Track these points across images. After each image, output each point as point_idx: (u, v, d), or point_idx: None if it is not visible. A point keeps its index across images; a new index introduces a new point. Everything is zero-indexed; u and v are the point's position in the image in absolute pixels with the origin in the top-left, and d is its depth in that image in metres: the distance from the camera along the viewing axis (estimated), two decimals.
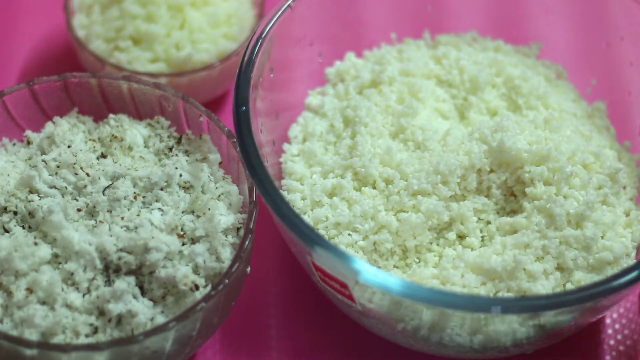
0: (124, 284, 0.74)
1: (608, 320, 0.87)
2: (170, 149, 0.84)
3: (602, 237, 0.81)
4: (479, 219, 0.83)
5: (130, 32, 0.93)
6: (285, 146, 0.89)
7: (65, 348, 0.71)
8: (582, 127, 0.89)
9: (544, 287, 0.78)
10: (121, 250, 0.76)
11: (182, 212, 0.80)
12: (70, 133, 0.83)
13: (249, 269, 0.79)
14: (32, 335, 0.73)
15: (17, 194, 0.79)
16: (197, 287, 0.76)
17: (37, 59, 1.01)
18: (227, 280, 0.74)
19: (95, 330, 0.74)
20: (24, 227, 0.78)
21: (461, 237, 0.83)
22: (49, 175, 0.80)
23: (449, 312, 0.73)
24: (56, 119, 0.85)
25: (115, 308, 0.74)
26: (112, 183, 0.79)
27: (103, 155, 0.83)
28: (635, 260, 0.82)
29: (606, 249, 0.80)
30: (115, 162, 0.82)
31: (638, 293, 0.87)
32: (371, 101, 0.89)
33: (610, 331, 0.86)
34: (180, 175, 0.81)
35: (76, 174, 0.80)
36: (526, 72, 0.92)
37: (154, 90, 0.84)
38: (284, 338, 0.85)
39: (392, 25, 0.97)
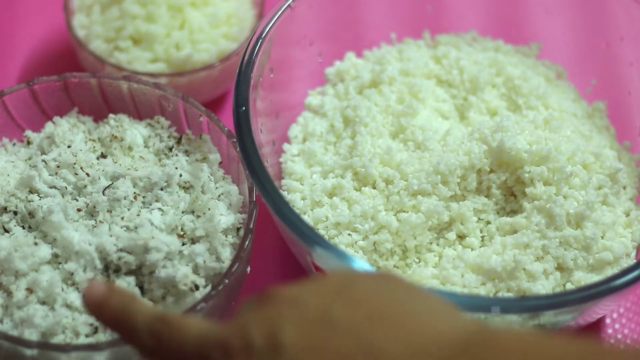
0: (124, 284, 0.74)
1: (608, 320, 0.87)
2: (170, 149, 0.84)
3: (602, 237, 0.81)
4: (479, 219, 0.83)
5: (130, 32, 0.93)
6: (285, 146, 0.89)
7: (65, 348, 0.71)
8: (582, 127, 0.89)
9: (544, 287, 0.78)
10: (121, 250, 0.76)
11: (182, 212, 0.80)
12: (70, 133, 0.83)
13: (249, 269, 0.79)
14: (32, 335, 0.73)
15: (17, 194, 0.79)
16: (197, 287, 0.76)
17: (37, 59, 1.01)
18: (227, 280, 0.74)
19: (95, 330, 0.74)
20: (24, 227, 0.78)
21: (461, 237, 0.83)
22: (49, 175, 0.80)
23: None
24: (56, 119, 0.85)
25: None
26: (112, 183, 0.79)
27: (103, 155, 0.83)
28: (635, 260, 0.82)
29: (606, 249, 0.80)
30: (115, 162, 0.82)
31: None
32: (371, 101, 0.89)
33: (610, 331, 0.86)
34: (180, 175, 0.81)
35: (76, 174, 0.80)
36: (526, 72, 0.92)
37: (154, 90, 0.84)
38: None
39: (392, 25, 0.97)
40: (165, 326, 0.59)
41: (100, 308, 0.62)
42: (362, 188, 0.84)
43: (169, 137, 0.85)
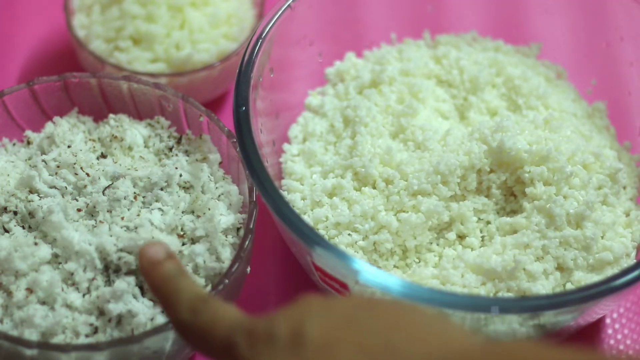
0: (124, 284, 0.74)
1: (608, 320, 0.87)
2: (170, 149, 0.84)
3: (602, 237, 0.81)
4: (479, 219, 0.83)
5: (130, 32, 0.93)
6: (285, 146, 0.89)
7: (65, 348, 0.71)
8: (582, 127, 0.89)
9: (544, 287, 0.78)
10: (121, 250, 0.76)
11: (182, 212, 0.80)
12: (70, 133, 0.83)
13: (249, 269, 0.79)
14: (32, 335, 0.73)
15: (17, 194, 0.79)
16: None
17: (37, 59, 1.01)
18: (227, 280, 0.74)
19: (95, 330, 0.74)
20: (24, 227, 0.78)
21: (461, 237, 0.83)
22: (49, 175, 0.80)
23: (449, 312, 0.73)
24: (56, 119, 0.85)
25: (115, 308, 0.74)
26: (112, 183, 0.79)
27: (103, 155, 0.83)
28: (635, 260, 0.82)
29: (606, 249, 0.80)
30: (115, 162, 0.82)
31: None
32: (371, 101, 0.89)
33: (610, 331, 0.86)
34: (180, 175, 0.81)
35: (76, 174, 0.80)
36: (526, 72, 0.92)
37: (154, 90, 0.84)
38: None
39: (392, 25, 0.97)
40: (205, 305, 0.61)
41: (153, 269, 0.64)
42: (362, 188, 0.84)
43: (169, 137, 0.85)
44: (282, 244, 0.87)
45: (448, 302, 0.71)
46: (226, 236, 0.79)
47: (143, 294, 0.76)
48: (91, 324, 0.74)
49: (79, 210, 0.78)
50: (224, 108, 0.99)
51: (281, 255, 0.89)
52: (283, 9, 0.86)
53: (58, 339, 0.73)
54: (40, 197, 0.79)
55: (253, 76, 0.81)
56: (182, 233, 0.78)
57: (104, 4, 0.95)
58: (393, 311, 0.58)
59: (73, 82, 0.84)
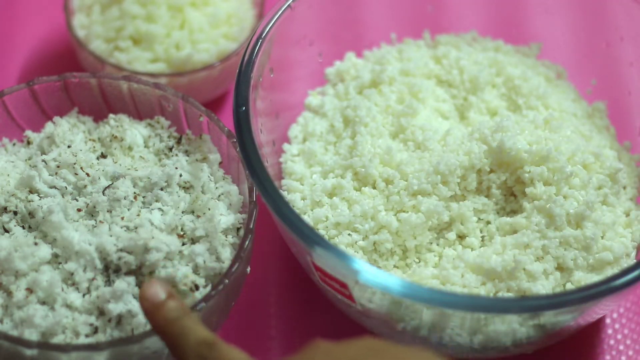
0: (124, 284, 0.74)
1: (608, 320, 0.87)
2: (170, 149, 0.84)
3: (602, 237, 0.81)
4: (479, 219, 0.83)
5: (130, 32, 0.93)
6: (285, 146, 0.89)
7: (65, 348, 0.71)
8: (582, 127, 0.89)
9: (544, 287, 0.78)
10: (121, 250, 0.76)
11: (182, 212, 0.80)
12: (70, 133, 0.83)
13: (249, 269, 0.79)
14: (32, 335, 0.73)
15: (17, 194, 0.79)
16: (197, 287, 0.76)
17: (37, 59, 1.01)
18: (227, 280, 0.74)
19: (95, 330, 0.74)
20: (24, 227, 0.78)
21: (461, 237, 0.83)
22: (49, 175, 0.80)
23: (449, 312, 0.73)
24: (56, 119, 0.85)
25: (115, 308, 0.74)
26: (112, 183, 0.79)
27: (103, 155, 0.83)
28: (635, 260, 0.82)
29: (606, 249, 0.80)
30: (115, 162, 0.82)
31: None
32: (371, 101, 0.89)
33: (610, 331, 0.86)
34: (180, 175, 0.81)
35: (76, 174, 0.80)
36: (526, 72, 0.92)
37: (154, 90, 0.84)
38: (283, 338, 0.85)
39: (392, 25, 0.97)
40: (212, 351, 0.63)
41: (155, 311, 0.65)
42: (362, 188, 0.84)
43: (169, 137, 0.85)
44: (282, 244, 0.87)
45: (448, 302, 0.71)
46: (226, 236, 0.79)
47: None
48: (91, 324, 0.74)
49: (79, 210, 0.78)
50: (224, 108, 0.99)
51: (281, 255, 0.89)
52: (283, 9, 0.86)
53: (58, 339, 0.73)
54: (40, 197, 0.79)
55: (253, 76, 0.81)
56: (182, 233, 0.78)
57: (104, 4, 0.95)
58: (394, 355, 0.59)
59: (73, 82, 0.84)
